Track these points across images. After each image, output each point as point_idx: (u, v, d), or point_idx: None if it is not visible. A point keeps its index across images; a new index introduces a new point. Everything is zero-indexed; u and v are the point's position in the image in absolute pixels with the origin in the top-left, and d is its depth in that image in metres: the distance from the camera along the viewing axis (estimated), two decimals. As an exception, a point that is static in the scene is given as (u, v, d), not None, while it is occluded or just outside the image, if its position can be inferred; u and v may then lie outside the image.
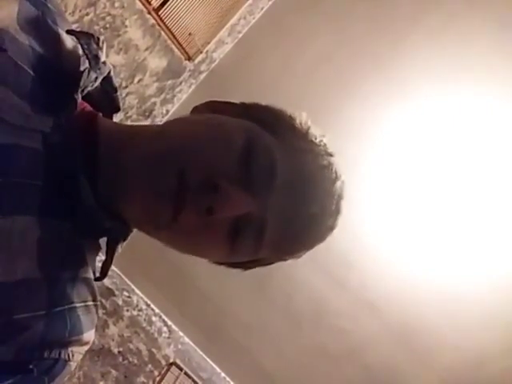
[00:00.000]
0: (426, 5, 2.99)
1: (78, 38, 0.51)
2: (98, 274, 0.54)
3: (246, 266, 0.58)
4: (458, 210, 3.15)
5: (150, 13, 2.59)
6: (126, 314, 3.14)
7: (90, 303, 0.50)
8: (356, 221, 3.05)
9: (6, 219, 0.40)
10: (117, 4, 2.39)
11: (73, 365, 0.49)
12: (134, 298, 3.17)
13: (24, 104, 0.43)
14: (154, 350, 3.18)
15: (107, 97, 0.57)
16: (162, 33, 2.73)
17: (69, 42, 0.51)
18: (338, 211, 0.56)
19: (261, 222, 0.49)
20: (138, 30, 2.60)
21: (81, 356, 0.50)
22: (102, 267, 0.53)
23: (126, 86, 2.77)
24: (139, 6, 2.52)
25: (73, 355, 0.48)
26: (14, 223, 0.40)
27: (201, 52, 3.01)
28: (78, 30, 0.52)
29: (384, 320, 3.30)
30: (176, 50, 2.88)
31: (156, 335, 3.22)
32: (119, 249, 0.56)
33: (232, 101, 0.60)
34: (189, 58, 2.98)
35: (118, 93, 0.57)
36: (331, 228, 0.56)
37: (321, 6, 3.06)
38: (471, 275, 3.20)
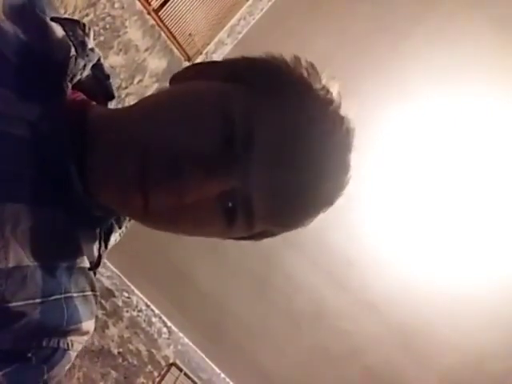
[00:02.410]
0: (426, 5, 2.99)
1: (62, 25, 0.50)
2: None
3: (253, 238, 0.54)
4: (459, 211, 3.15)
5: (149, 13, 2.59)
6: (126, 314, 3.14)
7: (89, 293, 0.49)
8: (356, 222, 3.05)
9: None
10: (117, 5, 2.39)
11: (73, 354, 0.48)
12: (134, 299, 3.17)
13: (7, 92, 0.42)
14: (153, 350, 3.18)
15: (100, 85, 0.55)
16: (162, 33, 2.73)
17: (58, 31, 0.50)
18: (343, 166, 0.48)
19: (245, 198, 0.44)
20: (138, 30, 2.60)
21: (81, 346, 0.49)
22: (97, 257, 0.52)
23: (126, 87, 2.77)
24: (139, 6, 2.52)
25: (72, 344, 0.47)
26: (5, 210, 0.40)
27: (201, 53, 3.01)
28: (63, 17, 0.50)
29: (384, 321, 3.30)
30: (176, 51, 2.88)
31: (156, 336, 3.21)
32: (117, 237, 0.55)
33: (219, 60, 0.55)
34: (188, 59, 2.98)
35: (111, 80, 0.56)
36: (337, 187, 0.49)
37: (321, 7, 3.06)
38: (471, 276, 3.20)
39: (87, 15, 2.28)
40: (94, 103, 0.53)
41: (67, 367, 0.48)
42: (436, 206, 3.16)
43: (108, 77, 0.55)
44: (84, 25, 0.51)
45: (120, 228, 0.55)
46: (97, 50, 0.52)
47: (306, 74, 0.48)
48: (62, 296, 0.45)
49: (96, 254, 0.51)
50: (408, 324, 3.27)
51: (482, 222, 3.15)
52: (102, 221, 0.51)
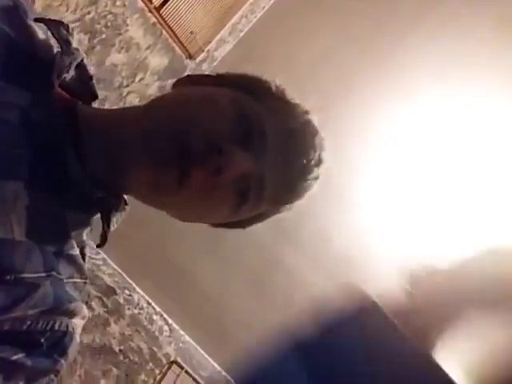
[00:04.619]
0: (427, 3, 2.99)
1: (46, 25, 0.51)
2: (85, 251, 0.53)
3: (245, 224, 0.62)
4: (460, 211, 3.15)
5: (151, 11, 2.59)
6: (127, 312, 3.15)
7: (78, 280, 0.50)
8: (357, 220, 3.06)
9: None
10: (118, 2, 2.39)
11: (77, 339, 0.48)
12: (135, 297, 3.18)
13: None
14: (154, 348, 3.19)
15: (84, 86, 0.57)
16: (164, 31, 2.73)
17: (41, 32, 0.51)
18: (321, 161, 0.60)
19: (261, 179, 0.53)
20: (140, 28, 2.60)
21: (80, 331, 0.49)
22: (101, 235, 0.54)
23: (127, 85, 2.77)
24: (140, 4, 2.52)
25: (76, 328, 0.47)
26: (7, 187, 0.40)
27: (202, 51, 3.01)
28: (46, 17, 0.52)
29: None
30: (177, 49, 2.88)
31: (157, 334, 3.22)
32: (116, 219, 0.56)
33: (206, 73, 0.65)
34: (190, 57, 2.98)
35: (94, 81, 0.58)
36: (317, 177, 0.61)
37: (322, 5, 3.06)
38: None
39: (89, 13, 2.28)
40: (80, 102, 0.55)
41: (75, 353, 0.48)
42: (437, 204, 3.17)
43: (91, 78, 0.58)
44: (67, 26, 0.53)
45: (117, 210, 0.56)
46: (81, 50, 0.54)
47: (277, 86, 0.63)
48: (58, 276, 0.45)
49: (85, 239, 0.53)
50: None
51: (483, 222, 3.15)
52: (98, 203, 0.53)
